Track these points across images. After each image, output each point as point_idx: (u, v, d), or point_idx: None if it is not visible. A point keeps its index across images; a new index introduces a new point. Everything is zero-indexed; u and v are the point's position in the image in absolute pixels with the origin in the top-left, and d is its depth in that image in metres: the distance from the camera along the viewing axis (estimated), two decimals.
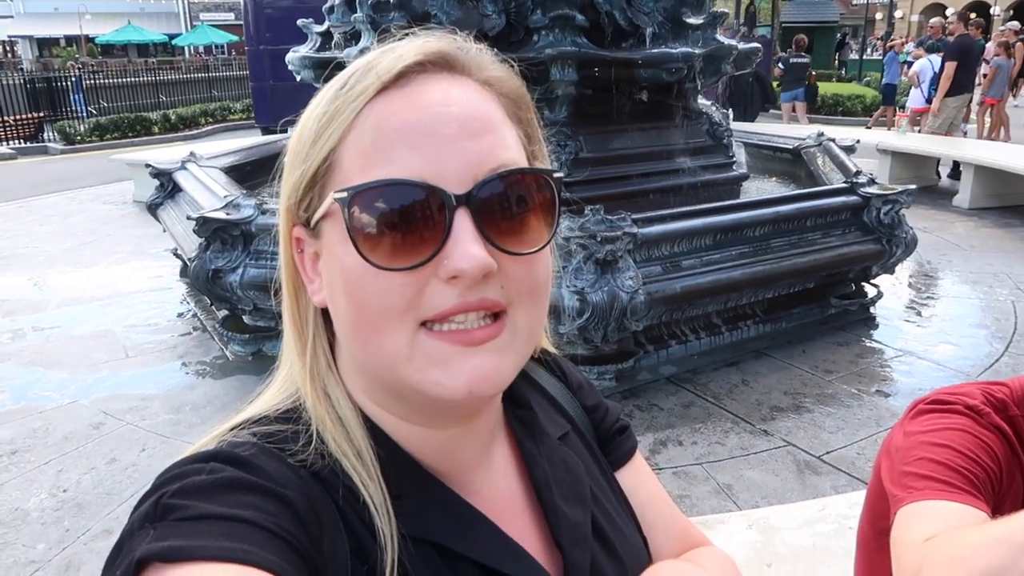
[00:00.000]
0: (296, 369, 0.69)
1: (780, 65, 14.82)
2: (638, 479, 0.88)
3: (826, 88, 17.38)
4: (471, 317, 0.60)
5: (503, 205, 0.61)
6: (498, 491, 0.73)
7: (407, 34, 0.66)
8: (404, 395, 0.64)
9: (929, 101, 10.86)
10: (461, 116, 0.61)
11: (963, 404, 1.28)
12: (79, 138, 15.22)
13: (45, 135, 15.91)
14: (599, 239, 3.80)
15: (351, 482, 0.62)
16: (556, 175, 0.65)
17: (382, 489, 0.63)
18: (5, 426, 3.90)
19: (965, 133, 11.10)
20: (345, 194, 0.59)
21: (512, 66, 0.70)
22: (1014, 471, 1.24)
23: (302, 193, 0.65)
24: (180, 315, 5.49)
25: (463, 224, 0.58)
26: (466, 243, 0.58)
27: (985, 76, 12.50)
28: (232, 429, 0.66)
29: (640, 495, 0.86)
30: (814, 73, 14.41)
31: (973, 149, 9.04)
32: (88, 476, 3.44)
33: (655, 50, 4.97)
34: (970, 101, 11.26)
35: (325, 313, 0.68)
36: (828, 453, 3.54)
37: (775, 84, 14.98)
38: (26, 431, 3.85)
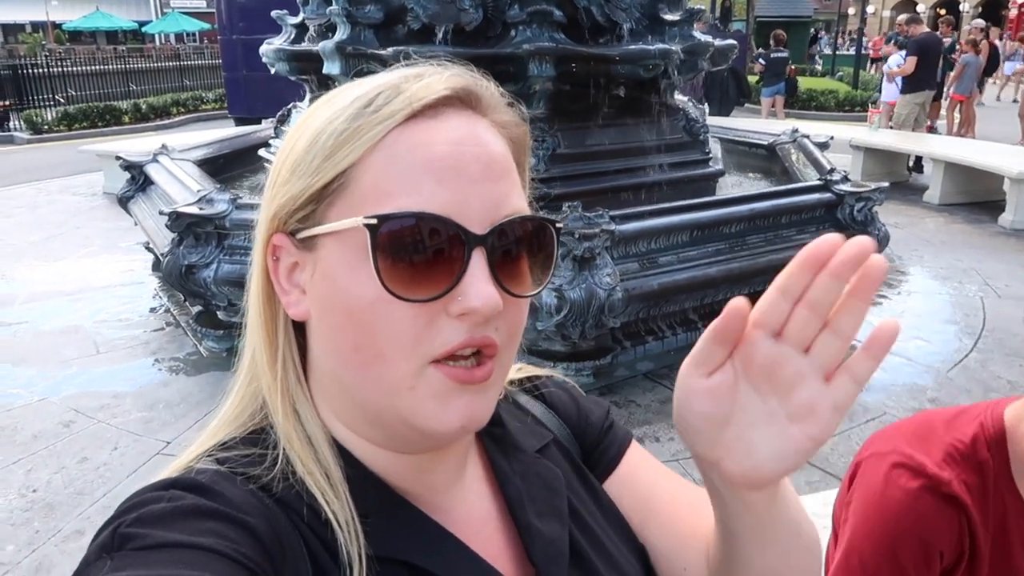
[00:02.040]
0: (265, 381, 0.68)
1: (761, 60, 14.92)
2: (630, 479, 0.85)
3: (800, 83, 17.55)
4: (466, 352, 0.61)
5: (513, 249, 0.63)
6: (470, 510, 0.72)
7: (429, 60, 0.67)
8: (386, 422, 0.64)
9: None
10: (484, 157, 0.62)
11: (912, 480, 1.20)
12: (46, 127, 14.93)
13: (11, 124, 15.58)
14: (577, 236, 3.80)
15: (316, 503, 0.61)
16: (559, 224, 0.67)
17: (349, 508, 0.62)
18: None
19: (934, 129, 11.22)
20: (375, 220, 0.59)
21: (520, 110, 0.71)
22: (987, 519, 1.22)
23: (301, 204, 0.63)
24: (152, 310, 5.41)
25: (479, 264, 0.60)
26: (481, 283, 0.59)
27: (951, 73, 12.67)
28: (197, 456, 0.65)
29: (633, 496, 0.83)
30: (793, 67, 14.52)
31: (942, 146, 9.17)
32: (58, 476, 3.38)
33: (632, 46, 4.98)
34: (937, 98, 11.38)
35: (296, 326, 0.67)
36: None
37: (754, 80, 15.09)
38: None
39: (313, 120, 0.64)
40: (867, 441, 1.35)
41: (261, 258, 0.67)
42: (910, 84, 10.35)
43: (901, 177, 9.47)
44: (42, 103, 16.88)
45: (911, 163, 9.83)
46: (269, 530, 0.57)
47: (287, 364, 0.67)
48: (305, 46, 5.53)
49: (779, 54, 14.22)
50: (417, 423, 0.62)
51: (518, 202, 0.64)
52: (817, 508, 2.55)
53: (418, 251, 0.59)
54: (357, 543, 0.60)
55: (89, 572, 0.51)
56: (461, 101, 0.64)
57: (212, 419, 0.71)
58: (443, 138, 0.61)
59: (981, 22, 15.55)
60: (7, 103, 16.29)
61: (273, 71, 5.91)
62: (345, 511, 0.61)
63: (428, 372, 0.61)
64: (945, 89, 12.45)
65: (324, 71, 4.91)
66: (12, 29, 43.91)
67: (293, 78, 5.93)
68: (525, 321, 0.68)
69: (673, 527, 0.82)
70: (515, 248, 0.63)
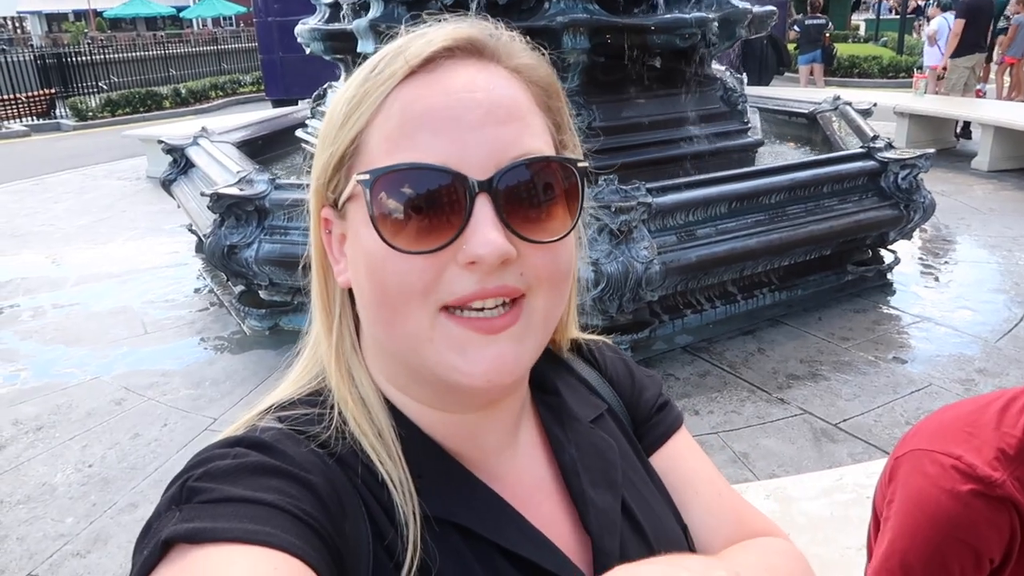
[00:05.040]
0: (322, 348, 0.70)
1: (796, 28, 14.56)
2: (675, 458, 0.84)
3: (842, 49, 17.09)
4: (489, 303, 0.60)
5: (526, 193, 0.61)
6: (522, 477, 0.73)
7: (439, 19, 0.66)
8: (425, 378, 0.65)
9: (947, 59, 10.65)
10: (486, 102, 0.61)
11: (962, 483, 1.13)
12: (91, 114, 15.24)
13: (57, 111, 15.93)
14: (613, 209, 3.78)
15: (371, 462, 0.63)
16: (581, 164, 0.64)
17: (403, 469, 0.63)
18: (30, 402, 3.97)
19: (984, 93, 10.86)
20: (368, 176, 0.60)
21: (543, 54, 0.69)
22: None
23: (330, 174, 0.65)
24: (197, 291, 5.53)
25: (483, 210, 0.58)
26: (485, 229, 0.58)
27: (1005, 34, 12.22)
28: (260, 413, 0.67)
29: (677, 475, 0.83)
30: (829, 35, 14.13)
31: (992, 110, 8.89)
32: (112, 451, 3.50)
33: (668, 15, 4.89)
34: (988, 61, 11.01)
35: (352, 295, 0.69)
36: (845, 421, 3.54)
37: (792, 47, 14.72)
38: (50, 407, 3.91)
39: (337, 94, 0.67)
40: (907, 436, 1.28)
41: (315, 232, 0.69)
42: (961, 47, 10.02)
43: (948, 144, 9.21)
44: (86, 90, 17.23)
45: (958, 129, 9.54)
46: (330, 488, 0.59)
47: (342, 331, 0.70)
48: (339, 25, 5.55)
49: (815, 21, 13.84)
50: (442, 375, 0.62)
51: (532, 143, 0.62)
52: (860, 479, 2.54)
53: (417, 203, 0.59)
54: (412, 503, 0.61)
55: (160, 522, 0.53)
56: (465, 51, 0.64)
57: (266, 391, 0.73)
58: (440, 89, 0.61)
59: None
60: (53, 91, 16.66)
61: (308, 51, 5.95)
62: (399, 471, 0.63)
63: (442, 322, 0.60)
64: (996, 51, 12.03)
65: (358, 50, 4.92)
66: (56, 18, 44.74)
67: (328, 58, 5.96)
68: (567, 266, 0.65)
69: (712, 509, 0.82)
70: (532, 192, 0.61)
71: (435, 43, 0.62)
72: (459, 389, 0.62)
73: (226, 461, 0.57)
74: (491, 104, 0.61)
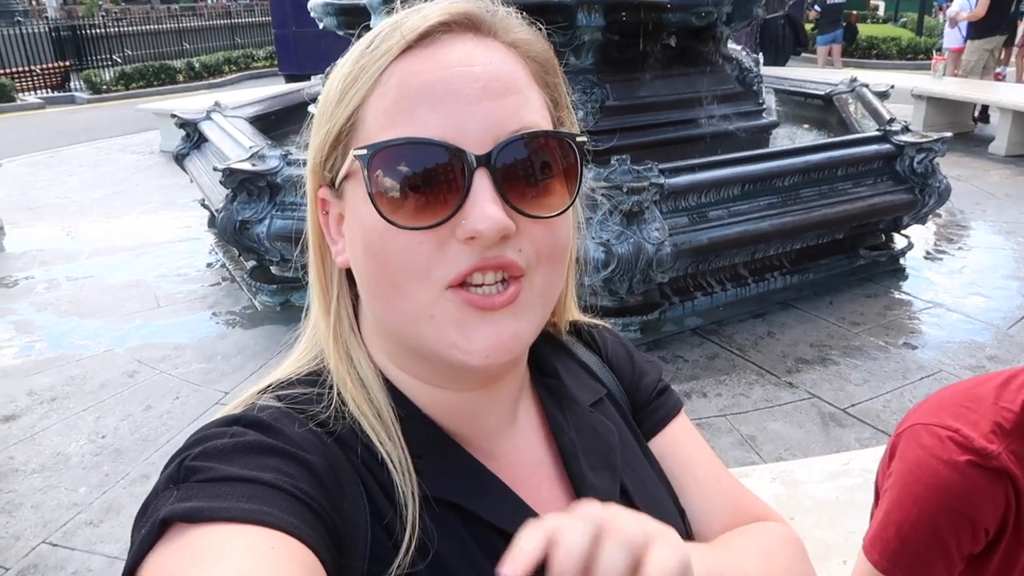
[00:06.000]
0: (320, 329, 0.70)
1: (816, 7, 14.37)
2: (673, 443, 0.84)
3: (861, 30, 16.85)
4: (489, 278, 0.60)
5: (524, 167, 0.60)
6: (521, 458, 0.73)
7: None
8: (424, 356, 0.64)
9: (967, 41, 10.49)
10: (484, 76, 0.60)
11: (958, 454, 1.15)
12: (105, 87, 15.26)
13: (72, 84, 15.96)
14: (625, 190, 3.77)
15: (370, 442, 0.63)
16: (580, 139, 0.64)
17: (402, 448, 0.63)
18: (45, 373, 4.02)
19: (1003, 76, 10.70)
20: (365, 151, 0.59)
21: (540, 30, 0.69)
22: None
23: (327, 153, 0.65)
24: (209, 265, 5.56)
25: (482, 185, 0.58)
26: (484, 204, 0.57)
27: None
28: (259, 392, 0.67)
29: (675, 459, 0.83)
30: (854, 13, 13.92)
31: (1011, 94, 8.75)
32: (125, 423, 3.54)
33: None
34: (1009, 43, 10.83)
35: (349, 276, 0.68)
36: (853, 406, 3.54)
37: (810, 27, 14.54)
38: (64, 378, 3.96)
39: (333, 71, 0.67)
40: (908, 413, 1.30)
41: (312, 212, 0.69)
42: (980, 29, 9.86)
43: (966, 127, 9.10)
44: (100, 63, 17.24)
45: (976, 113, 9.42)
46: (327, 467, 0.59)
47: (340, 312, 0.69)
48: (352, 0, 5.52)
49: (835, 0, 13.65)
50: (441, 352, 0.62)
51: (530, 117, 0.62)
52: (867, 464, 2.54)
53: (415, 178, 0.58)
54: (411, 483, 0.61)
55: (158, 501, 0.54)
56: (462, 26, 0.63)
57: (273, 368, 0.73)
58: (437, 64, 0.60)
59: None
60: (68, 63, 16.67)
61: (321, 26, 5.92)
62: (398, 451, 0.63)
63: (445, 298, 0.60)
64: (1019, 35, 11.83)
65: (371, 25, 4.88)
66: None
67: (341, 33, 5.93)
68: (565, 242, 0.65)
69: (710, 494, 0.82)
70: (529, 166, 0.61)
71: (431, 18, 0.62)
72: (458, 366, 0.62)
73: (223, 440, 0.57)
74: (488, 78, 0.60)
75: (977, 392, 1.23)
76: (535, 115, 0.62)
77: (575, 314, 0.85)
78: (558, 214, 0.62)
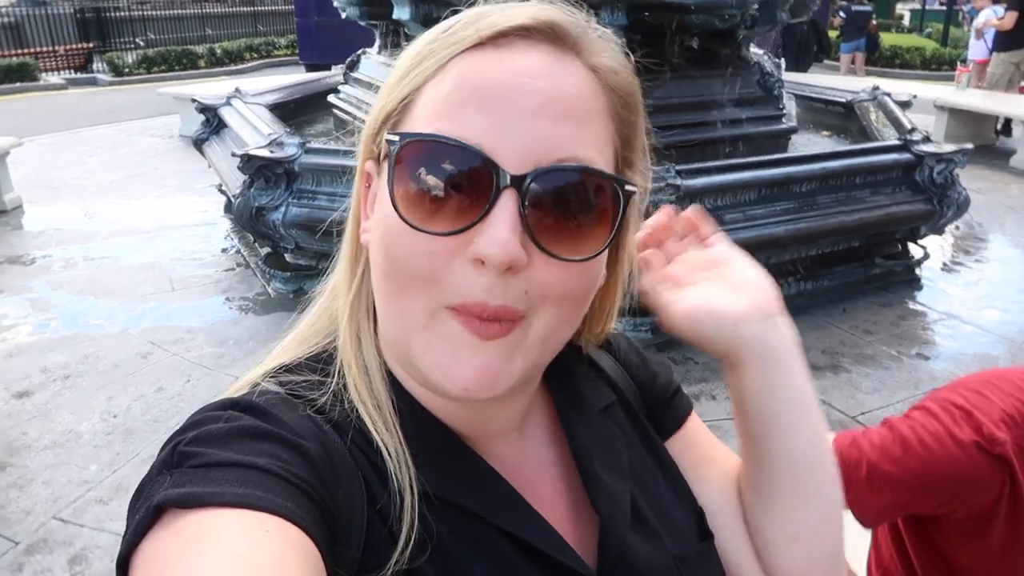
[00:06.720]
0: (339, 300, 0.68)
1: (842, 14, 14.28)
2: (692, 438, 0.84)
3: (885, 39, 16.75)
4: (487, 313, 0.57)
5: (557, 200, 0.56)
6: (527, 457, 0.71)
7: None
8: (410, 365, 0.62)
9: (993, 53, 10.38)
10: (546, 93, 0.56)
11: (970, 431, 1.19)
12: (127, 70, 15.36)
13: (94, 66, 16.07)
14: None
15: (368, 431, 0.61)
16: (631, 188, 0.59)
17: (399, 440, 0.62)
18: (59, 351, 4.06)
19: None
20: (396, 138, 0.57)
21: (630, 62, 0.65)
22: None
23: (378, 127, 0.63)
24: (224, 250, 5.59)
25: (506, 207, 0.54)
26: (500, 227, 0.54)
27: None
28: (262, 374, 0.66)
29: (695, 451, 0.83)
30: (876, 22, 13.84)
31: None
32: (137, 403, 3.57)
33: None
34: None
35: None
36: (863, 414, 3.52)
37: (834, 34, 14.45)
38: (78, 357, 4.00)
39: (408, 46, 0.64)
40: (956, 381, 1.34)
41: (357, 182, 0.67)
42: (1007, 41, 9.75)
43: (987, 140, 9.01)
44: (123, 46, 17.36)
45: (999, 126, 9.33)
46: (323, 454, 0.57)
47: (361, 290, 0.68)
48: None
49: (861, 8, 13.56)
50: (425, 370, 0.59)
51: (584, 151, 0.57)
52: None
53: (438, 180, 0.55)
54: (408, 476, 0.60)
55: (152, 487, 0.53)
56: (543, 35, 0.59)
57: (286, 337, 0.72)
58: (502, 67, 0.57)
59: None
60: (91, 45, 16.80)
61: (344, 16, 5.94)
62: (395, 442, 0.61)
63: (443, 315, 0.57)
64: None
65: (394, 16, 4.90)
66: None
67: (364, 23, 5.95)
68: (584, 288, 0.60)
69: (728, 485, 0.82)
70: (563, 201, 0.56)
71: (514, 19, 0.58)
72: (438, 390, 0.60)
73: (218, 425, 0.56)
74: (551, 96, 0.56)
75: (999, 381, 1.27)
76: (591, 149, 0.58)
77: (608, 330, 0.81)
78: (580, 259, 0.58)
